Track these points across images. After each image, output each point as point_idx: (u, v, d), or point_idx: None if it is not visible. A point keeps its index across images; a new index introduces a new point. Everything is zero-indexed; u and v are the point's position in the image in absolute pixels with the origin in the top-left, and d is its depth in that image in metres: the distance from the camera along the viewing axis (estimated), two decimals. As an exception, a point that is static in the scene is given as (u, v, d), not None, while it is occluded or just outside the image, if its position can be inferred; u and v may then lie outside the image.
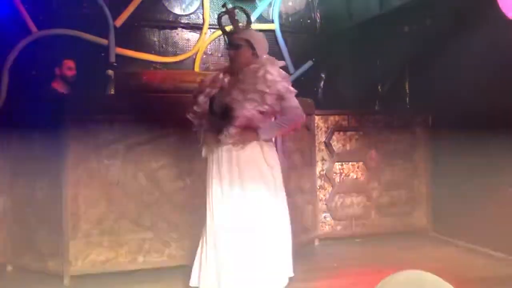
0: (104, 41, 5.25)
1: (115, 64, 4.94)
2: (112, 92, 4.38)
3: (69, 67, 4.63)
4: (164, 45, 5.65)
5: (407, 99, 5.24)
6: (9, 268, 3.58)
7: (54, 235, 3.36)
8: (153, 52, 5.57)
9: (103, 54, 5.25)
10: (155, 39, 5.62)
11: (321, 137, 4.42)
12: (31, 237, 3.47)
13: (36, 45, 5.01)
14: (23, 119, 3.64)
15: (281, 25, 6.05)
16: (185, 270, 2.74)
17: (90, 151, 3.39)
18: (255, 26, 5.75)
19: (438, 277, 1.36)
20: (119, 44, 5.25)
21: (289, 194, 3.89)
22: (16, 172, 3.58)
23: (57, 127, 3.37)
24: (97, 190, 3.40)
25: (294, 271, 2.76)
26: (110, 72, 4.38)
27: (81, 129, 3.40)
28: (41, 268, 3.41)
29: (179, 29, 5.71)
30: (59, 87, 4.64)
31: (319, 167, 4.41)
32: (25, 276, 3.44)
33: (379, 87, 5.61)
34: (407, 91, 5.28)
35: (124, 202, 3.45)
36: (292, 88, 2.65)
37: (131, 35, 5.34)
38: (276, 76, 2.59)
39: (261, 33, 2.87)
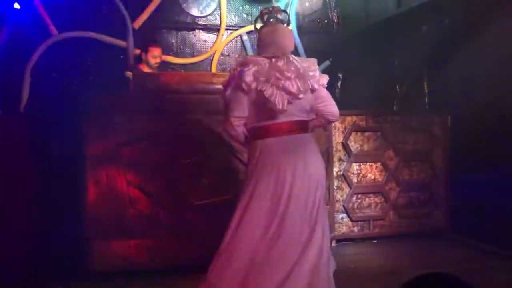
0: (123, 43, 5.32)
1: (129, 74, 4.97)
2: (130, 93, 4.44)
3: (153, 55, 4.76)
4: (181, 47, 5.69)
5: (426, 99, 5.19)
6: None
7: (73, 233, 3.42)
8: (171, 53, 5.61)
9: (122, 56, 5.31)
10: (173, 40, 5.67)
11: (338, 137, 4.41)
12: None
13: (57, 47, 5.09)
14: (44, 119, 3.72)
15: (298, 25, 6.04)
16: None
17: (109, 150, 3.45)
18: (272, 26, 5.77)
19: (459, 277, 1.35)
20: (137, 46, 5.31)
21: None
22: (38, 171, 3.65)
23: (77, 127, 3.44)
24: (117, 188, 3.45)
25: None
26: (129, 73, 4.44)
27: (101, 128, 3.45)
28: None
29: (197, 30, 5.75)
30: (144, 68, 4.80)
31: (336, 168, 4.40)
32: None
33: (397, 87, 5.57)
34: (426, 91, 5.23)
35: (142, 201, 3.49)
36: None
37: (149, 37, 5.40)
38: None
39: None
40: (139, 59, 4.95)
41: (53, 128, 3.83)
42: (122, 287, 3.11)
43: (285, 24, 2.68)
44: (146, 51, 4.83)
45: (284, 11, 2.73)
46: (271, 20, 2.63)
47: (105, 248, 3.40)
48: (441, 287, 1.34)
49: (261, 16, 2.65)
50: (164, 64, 5.27)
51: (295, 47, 5.88)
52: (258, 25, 2.66)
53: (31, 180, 3.63)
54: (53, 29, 5.12)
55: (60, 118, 3.85)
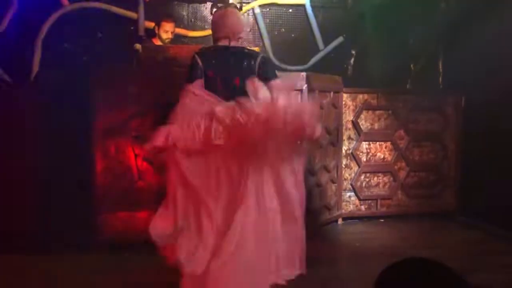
0: (133, 15, 5.27)
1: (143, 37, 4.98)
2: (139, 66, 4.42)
3: (165, 30, 4.74)
4: (192, 19, 5.61)
5: (440, 78, 5.09)
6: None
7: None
8: (181, 26, 5.54)
9: (132, 28, 5.27)
10: (184, 13, 5.59)
11: (348, 115, 4.36)
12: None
13: (67, 18, 5.06)
14: (54, 90, 3.72)
15: (311, 0, 5.92)
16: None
17: (118, 123, 3.45)
18: (284, 1, 5.66)
19: (441, 262, 1.28)
20: (148, 18, 5.25)
21: (313, 172, 3.91)
22: (44, 143, 3.68)
23: (85, 99, 3.43)
24: (125, 160, 3.47)
25: (317, 249, 2.75)
26: (138, 46, 4.40)
27: (110, 101, 3.45)
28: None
29: (208, 3, 5.66)
30: (157, 42, 4.80)
31: (345, 146, 4.36)
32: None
33: (411, 65, 5.46)
34: (440, 70, 5.12)
35: (150, 174, 3.51)
36: None
37: (160, 9, 5.33)
38: None
39: None
40: (152, 33, 4.91)
41: (63, 100, 3.83)
42: (130, 259, 3.15)
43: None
44: (159, 25, 4.79)
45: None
46: (224, 6, 2.83)
47: (113, 220, 3.45)
48: (421, 275, 1.27)
49: (215, 3, 2.84)
50: (176, 37, 5.22)
51: (309, 24, 5.86)
52: (213, 11, 2.85)
53: (39, 150, 3.66)
54: (64, 0, 5.08)
55: (70, 90, 3.84)
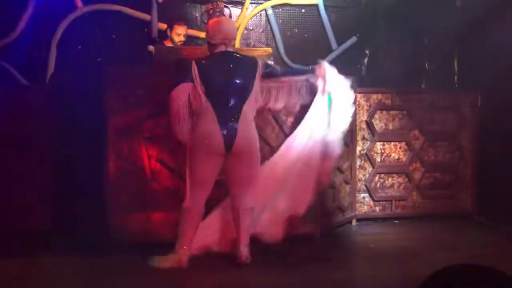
0: (147, 17, 5.29)
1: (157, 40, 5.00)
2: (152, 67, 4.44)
3: (177, 33, 4.76)
4: (205, 20, 5.62)
5: (456, 78, 5.02)
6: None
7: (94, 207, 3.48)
8: (194, 27, 5.55)
9: (146, 30, 5.29)
10: (197, 14, 5.60)
11: (362, 115, 4.32)
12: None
13: (82, 20, 5.11)
14: (69, 91, 3.76)
15: (324, 0, 5.88)
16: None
17: (131, 124, 3.46)
18: (297, 1, 5.63)
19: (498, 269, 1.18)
20: (161, 19, 5.27)
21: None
22: (59, 144, 3.71)
23: (99, 100, 3.45)
24: (138, 162, 3.48)
25: (330, 250, 2.75)
26: (151, 47, 4.42)
27: (123, 102, 3.46)
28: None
29: (221, 3, 5.66)
30: (168, 44, 4.82)
31: (359, 147, 4.32)
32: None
33: (426, 64, 5.40)
34: (456, 69, 5.05)
35: (163, 175, 3.51)
36: None
37: (173, 10, 5.34)
38: None
39: None
40: (165, 35, 4.92)
41: (77, 100, 3.87)
42: (143, 261, 3.15)
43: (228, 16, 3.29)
44: (171, 28, 4.79)
45: (226, 6, 3.33)
46: (216, 13, 3.18)
47: (126, 221, 3.45)
48: (465, 283, 1.17)
49: (206, 11, 3.24)
50: (188, 38, 5.23)
51: (322, 24, 5.82)
52: (205, 18, 3.24)
53: (54, 150, 3.69)
54: (78, 2, 5.13)
55: (84, 91, 3.88)
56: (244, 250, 3.10)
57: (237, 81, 3.02)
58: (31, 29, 4.83)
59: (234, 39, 3.21)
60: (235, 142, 2.98)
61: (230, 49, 3.11)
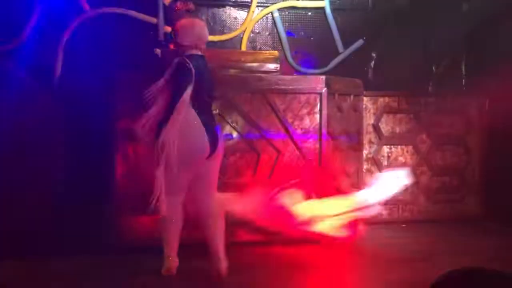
0: (153, 20, 5.30)
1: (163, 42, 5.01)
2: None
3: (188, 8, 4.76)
4: (211, 23, 5.62)
5: (463, 81, 4.99)
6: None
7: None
8: (200, 30, 5.56)
9: (152, 33, 5.30)
10: (203, 17, 5.60)
11: (369, 119, 4.30)
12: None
13: (89, 23, 5.12)
14: (76, 94, 3.77)
15: (331, 2, 5.88)
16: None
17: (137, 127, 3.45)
18: (304, 4, 5.63)
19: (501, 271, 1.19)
20: (167, 22, 5.28)
21: (333, 177, 3.86)
22: (66, 146, 3.72)
23: (106, 103, 3.46)
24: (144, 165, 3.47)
25: (337, 255, 2.72)
26: (158, 50, 4.42)
27: (130, 104, 3.46)
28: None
29: (227, 7, 5.66)
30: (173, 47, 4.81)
31: (366, 150, 4.30)
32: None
33: (433, 68, 5.37)
34: (463, 72, 5.02)
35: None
36: None
37: (179, 13, 5.35)
38: None
39: None
40: (170, 38, 4.93)
41: (84, 103, 3.88)
42: (149, 262, 3.15)
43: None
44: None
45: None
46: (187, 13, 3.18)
47: (132, 223, 3.45)
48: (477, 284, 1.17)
49: (176, 10, 3.19)
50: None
51: (329, 27, 5.82)
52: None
53: (61, 152, 3.70)
54: (85, 5, 5.15)
55: (91, 93, 3.88)
56: (224, 262, 2.95)
57: (212, 86, 3.07)
58: (38, 32, 4.85)
59: (205, 43, 3.10)
60: (218, 146, 2.97)
61: (199, 52, 3.03)
